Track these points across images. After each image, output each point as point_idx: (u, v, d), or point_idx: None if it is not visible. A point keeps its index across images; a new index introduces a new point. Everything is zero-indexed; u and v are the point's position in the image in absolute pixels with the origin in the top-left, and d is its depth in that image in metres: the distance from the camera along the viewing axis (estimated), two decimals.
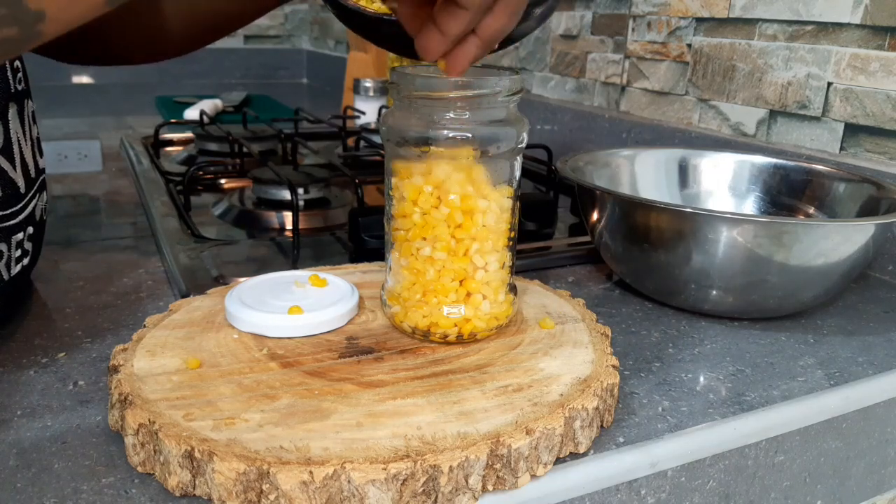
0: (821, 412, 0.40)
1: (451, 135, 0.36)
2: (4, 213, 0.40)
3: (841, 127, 0.66)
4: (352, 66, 1.24)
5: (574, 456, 0.33)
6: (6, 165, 0.40)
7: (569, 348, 0.39)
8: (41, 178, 0.45)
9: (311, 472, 0.28)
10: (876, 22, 0.63)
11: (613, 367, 0.37)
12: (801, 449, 0.40)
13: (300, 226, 0.61)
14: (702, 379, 0.42)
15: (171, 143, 1.02)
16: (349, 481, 0.28)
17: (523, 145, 0.39)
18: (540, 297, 0.46)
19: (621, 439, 0.35)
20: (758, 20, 0.73)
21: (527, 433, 0.31)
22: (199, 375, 0.35)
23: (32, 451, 0.32)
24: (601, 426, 0.35)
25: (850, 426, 0.42)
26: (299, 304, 0.41)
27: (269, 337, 0.39)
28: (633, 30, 0.90)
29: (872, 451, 0.44)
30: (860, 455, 0.44)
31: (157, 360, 0.36)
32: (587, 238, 0.61)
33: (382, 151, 0.81)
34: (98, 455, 0.32)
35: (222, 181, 0.80)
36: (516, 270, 0.43)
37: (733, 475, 0.38)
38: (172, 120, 1.06)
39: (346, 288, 0.44)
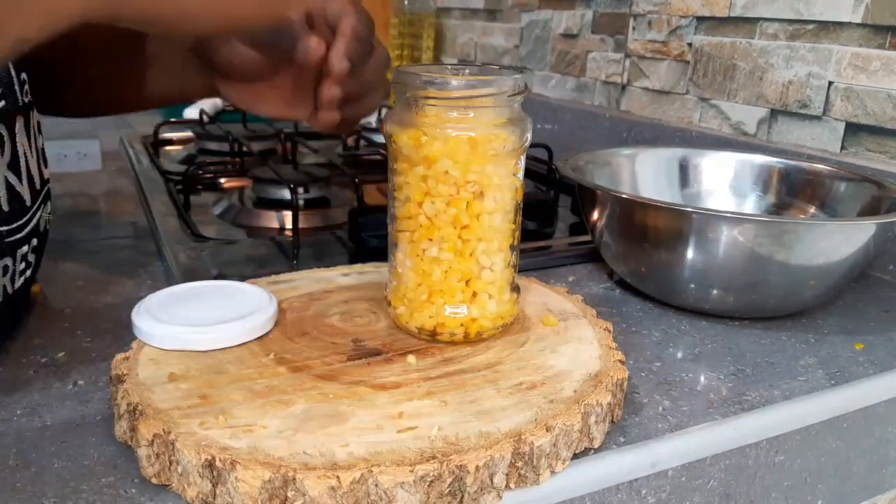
0: (821, 412, 0.40)
1: (455, 135, 0.36)
2: (11, 227, 0.39)
3: (842, 126, 0.66)
4: None
5: (575, 455, 0.33)
6: (13, 180, 0.39)
7: (574, 344, 0.39)
8: (46, 188, 0.45)
9: (338, 477, 0.27)
10: (877, 21, 0.62)
11: (620, 361, 0.37)
12: (801, 448, 0.40)
13: (300, 225, 0.61)
14: (702, 378, 0.42)
15: (170, 142, 1.01)
16: (377, 485, 0.28)
17: (528, 144, 0.39)
18: (539, 295, 0.46)
19: (622, 439, 0.35)
20: (759, 19, 0.73)
21: (547, 430, 0.31)
22: (208, 383, 0.34)
23: (32, 450, 0.32)
24: (612, 420, 0.36)
25: (851, 426, 0.42)
26: (215, 314, 0.39)
27: (192, 350, 0.37)
28: (633, 29, 0.90)
29: (873, 451, 0.44)
30: (861, 455, 0.44)
31: (162, 368, 0.35)
32: (587, 237, 0.61)
33: (383, 151, 0.80)
34: (98, 454, 0.32)
35: (222, 180, 0.80)
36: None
37: (734, 475, 0.38)
38: (172, 119, 1.06)
39: (263, 297, 0.42)
